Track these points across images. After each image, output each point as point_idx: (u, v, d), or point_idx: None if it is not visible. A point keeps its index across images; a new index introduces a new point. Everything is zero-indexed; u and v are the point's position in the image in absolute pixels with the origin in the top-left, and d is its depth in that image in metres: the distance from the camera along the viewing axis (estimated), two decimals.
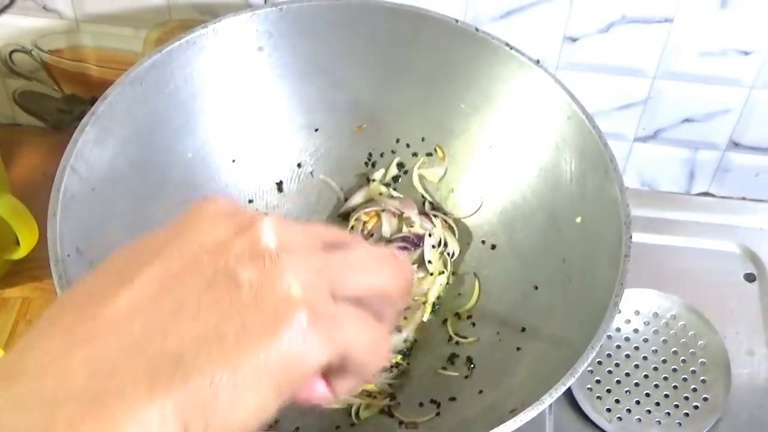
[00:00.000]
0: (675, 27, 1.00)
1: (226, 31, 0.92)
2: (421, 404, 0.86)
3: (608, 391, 0.94)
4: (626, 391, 0.94)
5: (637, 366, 0.96)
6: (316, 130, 1.00)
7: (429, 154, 1.00)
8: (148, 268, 0.44)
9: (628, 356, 0.96)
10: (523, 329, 0.88)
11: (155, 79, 0.89)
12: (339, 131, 1.00)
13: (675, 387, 0.95)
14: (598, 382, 0.94)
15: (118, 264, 0.46)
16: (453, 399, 0.86)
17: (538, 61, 0.91)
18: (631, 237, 0.81)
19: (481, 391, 0.85)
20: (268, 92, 0.97)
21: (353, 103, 0.99)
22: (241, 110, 0.96)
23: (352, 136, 1.00)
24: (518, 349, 0.87)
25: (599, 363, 0.96)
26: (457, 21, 0.93)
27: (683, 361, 0.96)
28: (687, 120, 1.08)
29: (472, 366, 0.89)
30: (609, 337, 0.97)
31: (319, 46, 0.96)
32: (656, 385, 0.95)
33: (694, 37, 1.00)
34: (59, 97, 1.15)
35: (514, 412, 0.72)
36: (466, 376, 0.88)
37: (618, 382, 0.95)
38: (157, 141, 0.91)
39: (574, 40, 1.02)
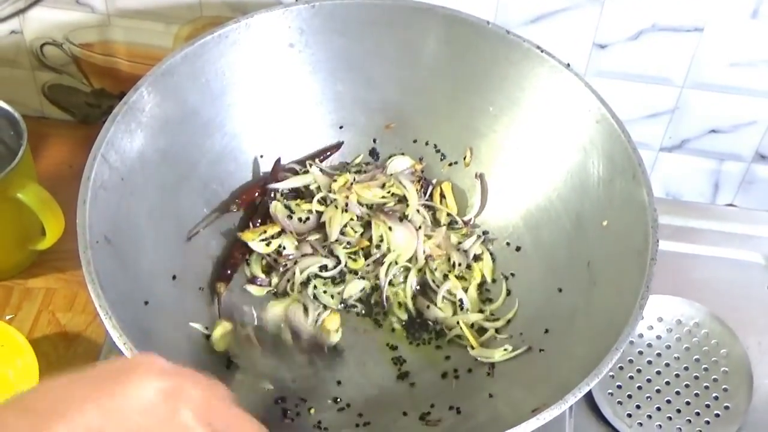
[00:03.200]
0: (705, 36, 1.00)
1: (258, 26, 0.93)
2: (443, 402, 0.86)
3: (629, 396, 0.94)
4: (647, 397, 0.94)
5: (658, 372, 0.96)
6: (341, 127, 1.00)
7: (452, 164, 1.00)
8: (81, 411, 0.47)
9: (650, 362, 0.96)
10: (547, 331, 0.88)
11: (187, 72, 0.90)
12: (368, 129, 1.01)
13: (696, 395, 0.94)
14: (619, 387, 0.94)
15: (56, 392, 0.49)
16: (475, 397, 0.86)
17: (568, 65, 0.92)
18: (657, 241, 0.81)
19: (503, 390, 0.85)
20: (298, 89, 0.98)
21: (383, 101, 0.99)
22: (271, 106, 0.97)
23: (380, 134, 1.01)
24: (541, 350, 0.87)
25: (621, 368, 0.96)
26: (488, 23, 0.93)
27: (705, 369, 0.96)
28: (713, 131, 1.08)
29: (493, 365, 0.89)
30: (631, 342, 0.97)
31: (350, 44, 0.96)
32: (677, 392, 0.94)
33: (723, 47, 1.00)
34: (88, 91, 1.15)
35: (536, 412, 0.72)
36: (488, 374, 0.88)
37: (639, 388, 0.94)
38: (186, 133, 0.91)
39: (603, 46, 1.02)
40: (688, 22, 0.99)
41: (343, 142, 1.01)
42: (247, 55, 0.93)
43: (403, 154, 1.01)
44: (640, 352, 0.97)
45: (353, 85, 0.99)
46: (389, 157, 1.01)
